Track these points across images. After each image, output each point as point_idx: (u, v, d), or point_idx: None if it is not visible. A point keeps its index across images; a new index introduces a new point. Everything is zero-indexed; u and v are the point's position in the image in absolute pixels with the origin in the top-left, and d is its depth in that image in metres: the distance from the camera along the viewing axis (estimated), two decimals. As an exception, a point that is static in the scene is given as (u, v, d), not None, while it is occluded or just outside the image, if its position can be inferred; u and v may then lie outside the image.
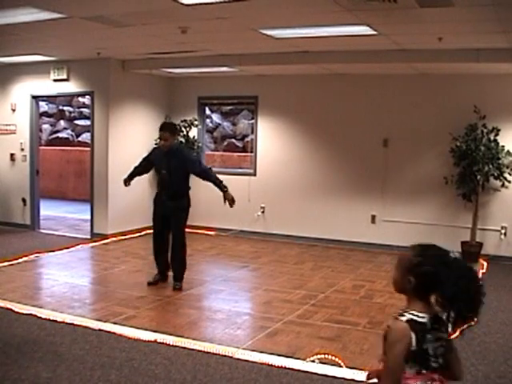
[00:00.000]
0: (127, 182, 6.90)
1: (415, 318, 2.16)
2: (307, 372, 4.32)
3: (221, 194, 6.54)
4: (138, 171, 7.00)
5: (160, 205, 6.69)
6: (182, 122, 10.25)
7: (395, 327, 2.17)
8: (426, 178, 8.84)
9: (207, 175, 6.66)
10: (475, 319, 2.16)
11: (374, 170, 9.21)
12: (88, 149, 10.59)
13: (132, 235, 9.67)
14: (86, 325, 5.23)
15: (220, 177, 10.25)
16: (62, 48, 8.33)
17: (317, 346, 4.88)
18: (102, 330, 5.11)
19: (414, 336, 2.13)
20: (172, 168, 6.47)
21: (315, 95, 9.63)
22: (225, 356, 4.60)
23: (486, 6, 5.12)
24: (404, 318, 2.18)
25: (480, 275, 2.08)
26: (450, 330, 2.19)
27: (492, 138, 8.17)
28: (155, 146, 10.13)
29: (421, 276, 2.20)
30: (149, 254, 7.82)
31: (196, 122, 10.36)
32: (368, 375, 2.45)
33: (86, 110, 16.73)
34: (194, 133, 10.40)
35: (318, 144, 9.64)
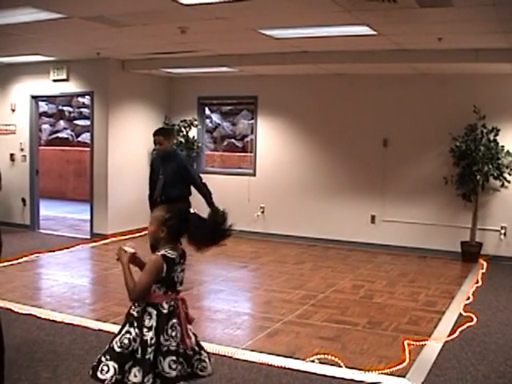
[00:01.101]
0: (156, 198, 6.61)
1: (167, 254, 3.01)
2: (307, 372, 4.31)
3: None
4: (154, 186, 6.77)
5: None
6: (181, 122, 10.25)
7: (153, 258, 3.02)
8: (426, 178, 8.84)
9: (199, 189, 6.61)
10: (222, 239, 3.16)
11: (373, 170, 9.21)
12: (88, 149, 10.59)
13: (132, 235, 9.66)
14: (86, 325, 5.23)
15: (220, 177, 10.37)
16: (62, 48, 8.33)
17: (316, 346, 4.88)
18: (101, 330, 5.10)
19: (165, 266, 2.99)
20: (168, 173, 6.45)
21: (315, 95, 9.63)
22: (224, 356, 4.59)
23: (486, 6, 5.13)
24: (159, 253, 3.02)
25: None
26: (197, 250, 3.15)
27: (492, 138, 8.17)
28: (154, 148, 10.16)
29: (170, 226, 3.05)
30: (149, 253, 7.81)
31: (196, 122, 10.36)
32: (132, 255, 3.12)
33: (85, 110, 16.73)
34: (193, 133, 10.40)
35: (317, 144, 9.64)
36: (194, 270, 7.16)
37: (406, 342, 4.91)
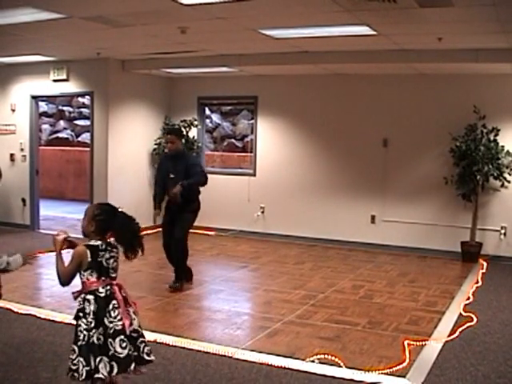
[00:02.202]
0: (157, 207, 6.77)
1: (90, 243, 3.28)
2: (307, 372, 4.31)
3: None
4: (160, 189, 6.82)
5: (169, 211, 6.69)
6: (181, 122, 10.25)
7: (77, 249, 3.27)
8: (426, 178, 8.84)
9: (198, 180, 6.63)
10: (141, 251, 3.37)
11: (373, 170, 9.21)
12: (87, 149, 10.59)
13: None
14: (86, 325, 5.22)
15: (220, 177, 10.36)
16: (62, 48, 8.33)
17: (316, 346, 4.88)
18: (101, 330, 5.10)
19: (89, 252, 3.24)
20: (179, 172, 6.51)
21: (315, 95, 9.63)
22: (224, 356, 4.60)
23: (486, 6, 5.13)
24: (83, 244, 3.28)
25: (137, 222, 3.45)
26: (125, 255, 3.32)
27: (492, 138, 8.17)
28: (154, 146, 10.18)
29: (98, 222, 3.31)
30: (148, 254, 7.81)
31: (196, 122, 10.36)
32: (64, 241, 3.37)
33: (85, 110, 16.72)
34: (193, 133, 10.39)
35: (317, 144, 9.64)
36: (194, 270, 7.15)
37: (406, 342, 4.91)
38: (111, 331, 3.17)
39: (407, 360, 4.55)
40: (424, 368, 4.42)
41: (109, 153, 9.48)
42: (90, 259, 3.24)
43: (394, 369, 4.38)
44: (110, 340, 3.16)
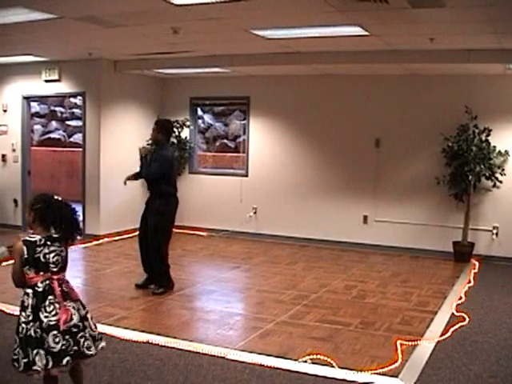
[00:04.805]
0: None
1: (27, 237, 3.27)
2: (299, 372, 4.31)
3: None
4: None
5: (146, 206, 6.67)
6: (173, 122, 10.22)
7: (15, 245, 3.28)
8: (418, 178, 8.86)
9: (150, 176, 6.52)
10: (79, 238, 3.47)
11: (365, 170, 9.23)
12: (80, 149, 10.55)
13: (125, 236, 9.64)
14: (78, 326, 5.20)
15: (212, 177, 10.36)
16: (54, 48, 8.29)
17: (309, 346, 4.88)
18: (93, 331, 5.08)
19: (25, 248, 3.23)
20: (148, 163, 6.47)
21: (307, 96, 9.63)
22: (217, 357, 4.59)
23: (478, 6, 5.15)
24: (21, 239, 3.27)
25: (75, 208, 3.50)
26: (63, 244, 3.36)
27: (483, 138, 8.20)
28: (147, 146, 10.15)
29: (35, 210, 3.34)
30: (135, 251, 7.81)
31: (188, 123, 10.35)
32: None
33: (77, 111, 16.67)
34: (186, 133, 10.39)
35: (309, 144, 9.65)
36: (186, 270, 7.15)
37: (398, 342, 4.92)
38: (45, 326, 3.21)
39: (400, 360, 4.56)
40: (416, 368, 4.43)
41: (101, 153, 9.46)
42: (26, 255, 3.24)
43: (387, 369, 4.39)
44: (43, 334, 3.21)
